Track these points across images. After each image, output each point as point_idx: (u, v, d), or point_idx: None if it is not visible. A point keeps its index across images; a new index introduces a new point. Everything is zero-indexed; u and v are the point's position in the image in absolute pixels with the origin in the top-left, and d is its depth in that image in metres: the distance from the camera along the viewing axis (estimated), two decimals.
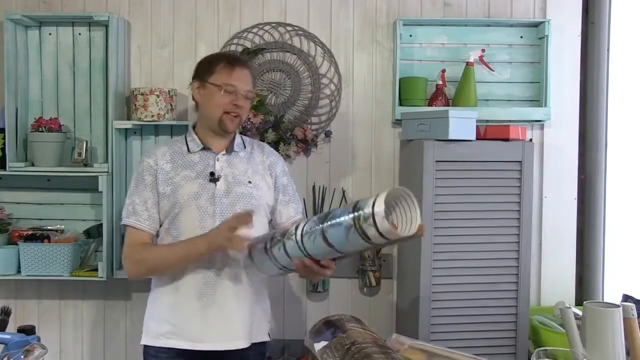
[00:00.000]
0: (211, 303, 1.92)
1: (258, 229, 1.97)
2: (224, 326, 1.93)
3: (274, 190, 2.07)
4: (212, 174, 1.96)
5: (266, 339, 2.08)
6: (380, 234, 1.43)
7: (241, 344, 1.95)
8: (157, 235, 2.00)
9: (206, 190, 1.94)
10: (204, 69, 2.02)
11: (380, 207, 1.42)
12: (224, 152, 2.02)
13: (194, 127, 2.08)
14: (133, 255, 1.95)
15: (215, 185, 1.95)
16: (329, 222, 1.55)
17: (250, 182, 2.00)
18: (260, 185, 2.02)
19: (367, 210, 1.44)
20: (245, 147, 2.08)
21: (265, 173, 2.07)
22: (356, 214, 1.47)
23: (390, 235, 1.44)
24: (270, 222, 2.09)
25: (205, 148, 2.01)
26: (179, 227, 1.94)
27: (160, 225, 1.98)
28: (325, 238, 1.56)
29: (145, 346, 2.01)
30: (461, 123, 2.35)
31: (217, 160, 2.00)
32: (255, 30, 2.72)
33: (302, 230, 1.64)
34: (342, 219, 1.51)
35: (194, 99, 2.06)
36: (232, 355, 1.94)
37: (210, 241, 1.84)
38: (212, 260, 1.92)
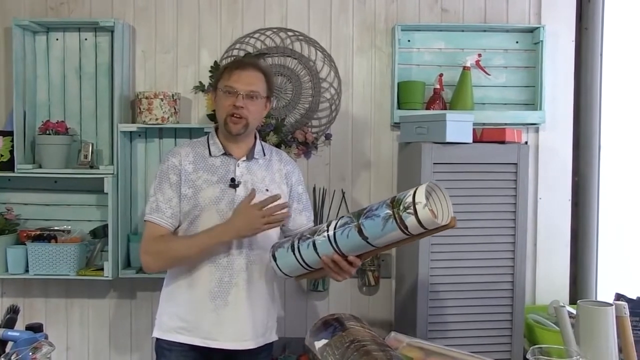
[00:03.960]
0: (224, 304, 1.95)
1: (272, 235, 2.03)
2: (236, 327, 1.97)
3: (289, 198, 2.10)
4: (232, 179, 1.99)
5: (274, 339, 2.12)
6: (420, 222, 1.51)
7: (251, 344, 1.99)
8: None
9: (226, 195, 1.97)
10: (217, 77, 2.08)
11: (421, 197, 1.50)
12: (245, 158, 2.04)
13: (216, 131, 2.09)
14: (152, 248, 1.97)
15: (235, 190, 1.98)
16: (365, 216, 1.62)
17: (267, 189, 2.02)
18: (276, 193, 2.03)
19: (408, 200, 1.52)
20: (264, 155, 2.10)
21: (282, 181, 2.09)
22: (396, 204, 1.55)
23: (429, 224, 1.52)
24: (282, 227, 2.11)
25: (226, 153, 2.03)
26: (198, 229, 1.96)
27: (179, 225, 2.01)
28: (360, 231, 1.62)
29: (158, 339, 2.03)
30: (458, 126, 2.39)
31: (238, 166, 2.02)
32: (257, 35, 2.77)
33: (335, 226, 1.69)
34: (379, 211, 1.59)
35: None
36: (242, 353, 1.99)
37: (238, 230, 1.88)
38: (228, 264, 1.96)
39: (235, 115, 1.97)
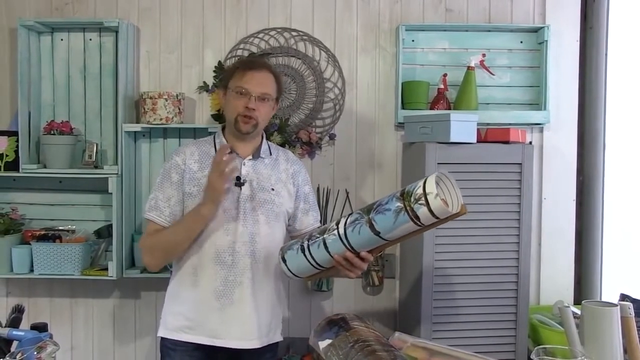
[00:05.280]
0: (229, 303, 1.96)
1: (277, 234, 2.04)
2: (241, 326, 1.97)
3: (296, 198, 2.10)
4: (238, 178, 1.98)
5: (280, 339, 2.12)
6: (432, 212, 1.52)
7: (256, 343, 1.99)
8: None
9: (231, 193, 1.97)
10: (227, 75, 2.08)
11: (431, 188, 1.51)
12: (251, 157, 2.04)
13: (223, 130, 2.10)
14: (145, 244, 2.00)
15: (240, 189, 1.98)
16: (376, 210, 1.62)
17: (273, 189, 2.03)
18: (282, 193, 2.05)
19: (419, 191, 1.53)
20: (271, 154, 2.10)
21: (288, 181, 2.09)
22: (406, 197, 1.55)
23: (441, 213, 1.53)
24: (287, 227, 2.12)
25: (232, 152, 2.02)
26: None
27: None
28: (372, 226, 1.62)
29: (163, 338, 2.04)
30: (462, 126, 2.39)
31: (244, 165, 2.02)
32: (261, 35, 2.77)
33: (345, 223, 1.69)
34: (390, 204, 1.59)
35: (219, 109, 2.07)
36: (248, 353, 1.99)
37: (205, 199, 1.89)
38: (232, 262, 1.97)
39: (246, 115, 1.98)
